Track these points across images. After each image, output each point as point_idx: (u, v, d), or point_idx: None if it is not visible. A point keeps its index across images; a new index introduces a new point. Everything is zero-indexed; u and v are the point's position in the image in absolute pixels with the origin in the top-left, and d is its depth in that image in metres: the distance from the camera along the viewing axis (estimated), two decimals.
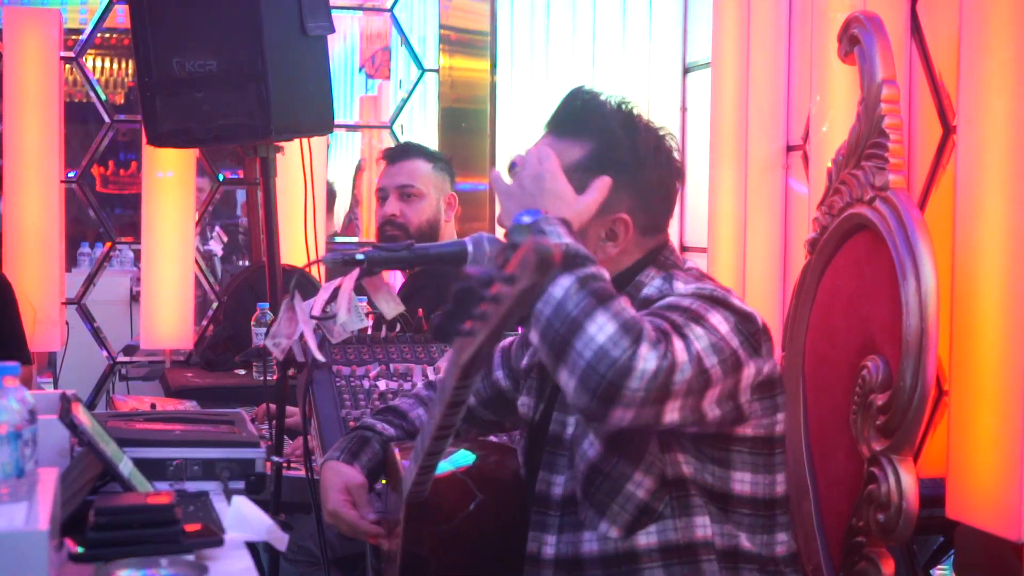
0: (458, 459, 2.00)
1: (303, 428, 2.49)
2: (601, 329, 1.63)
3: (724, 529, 1.88)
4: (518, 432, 2.16)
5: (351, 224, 6.89)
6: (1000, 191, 2.01)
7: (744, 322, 1.81)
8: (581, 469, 1.88)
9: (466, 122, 5.28)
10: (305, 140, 3.45)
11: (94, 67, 9.12)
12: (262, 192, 3.43)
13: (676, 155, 1.99)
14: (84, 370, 4.95)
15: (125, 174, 8.34)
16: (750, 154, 2.96)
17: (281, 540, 1.95)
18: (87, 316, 4.94)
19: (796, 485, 2.12)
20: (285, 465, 2.61)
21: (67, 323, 4.78)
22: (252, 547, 1.95)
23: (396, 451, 2.06)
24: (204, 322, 4.97)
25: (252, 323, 3.81)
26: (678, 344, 1.69)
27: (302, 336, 2.24)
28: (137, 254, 5.53)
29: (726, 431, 1.84)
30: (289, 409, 2.74)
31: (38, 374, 4.79)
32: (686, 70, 3.61)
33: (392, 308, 2.17)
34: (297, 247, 3.89)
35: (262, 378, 2.96)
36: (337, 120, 3.66)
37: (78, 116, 6.71)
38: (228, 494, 2.16)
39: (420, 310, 2.89)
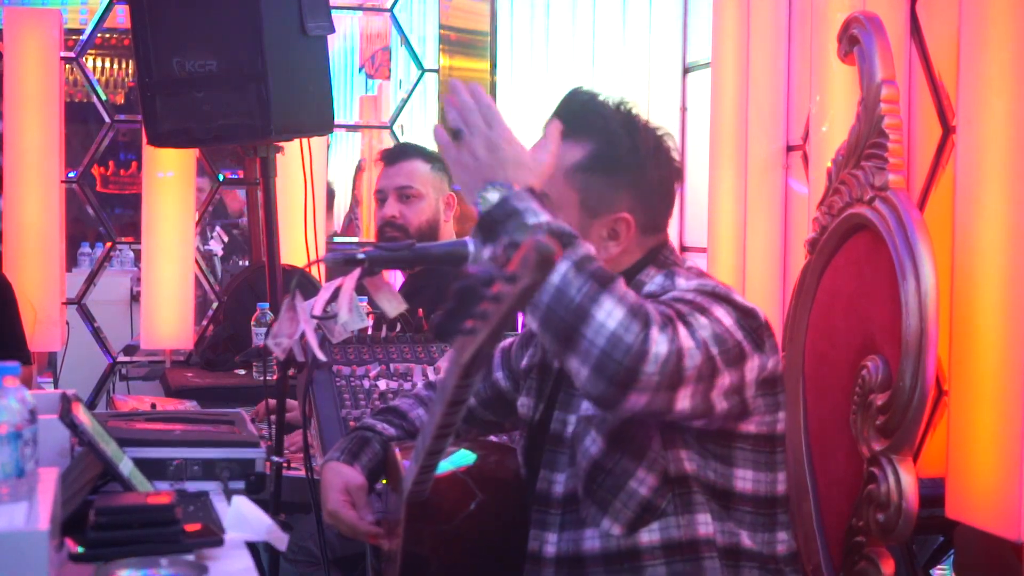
0: (458, 459, 1.99)
1: (303, 427, 2.49)
2: (610, 315, 1.62)
3: (725, 527, 1.88)
4: (518, 432, 2.16)
5: (351, 224, 6.89)
6: (1000, 191, 2.01)
7: (746, 317, 1.81)
8: (583, 466, 1.88)
9: None
10: (305, 140, 3.46)
11: (94, 67, 9.13)
12: (262, 192, 3.44)
13: (675, 155, 1.99)
14: (84, 370, 4.95)
15: (125, 174, 8.34)
16: (750, 154, 2.96)
17: (281, 540, 1.95)
18: (87, 316, 4.94)
19: (796, 485, 2.12)
20: (285, 465, 2.61)
21: (67, 323, 4.78)
22: (252, 547, 1.95)
23: (396, 451, 2.06)
24: (204, 322, 4.97)
25: (252, 323, 3.81)
26: (683, 331, 1.69)
27: (303, 336, 2.24)
28: (137, 254, 5.53)
29: (730, 427, 1.85)
30: (289, 403, 2.74)
31: (38, 374, 4.79)
32: (686, 70, 3.61)
33: (394, 307, 2.17)
34: (297, 247, 3.89)
35: (262, 378, 2.96)
36: (337, 120, 3.66)
37: (78, 116, 6.71)
38: (228, 494, 2.16)
39: (420, 310, 2.89)
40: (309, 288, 2.60)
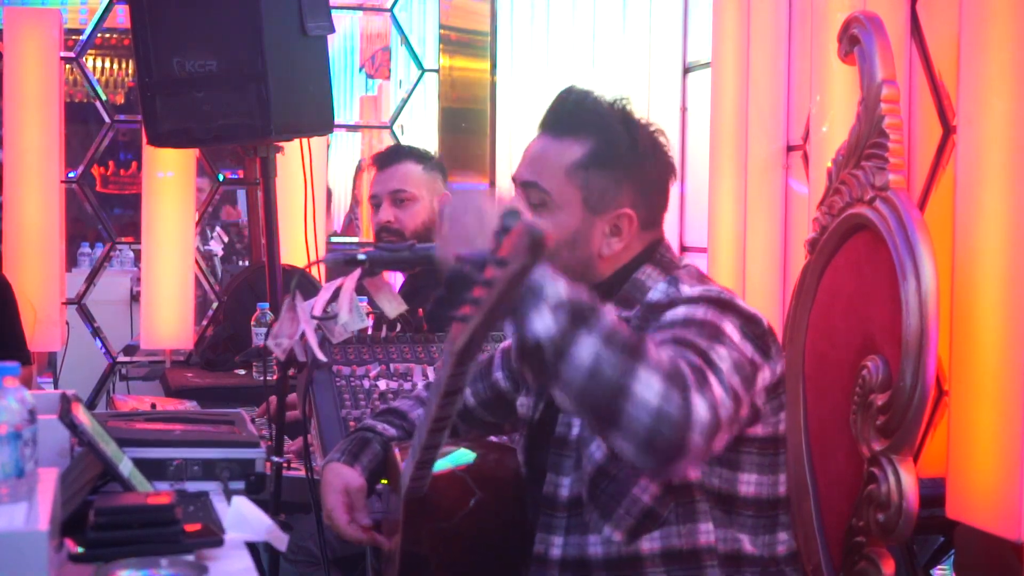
0: (457, 457, 1.99)
1: (303, 427, 2.49)
2: (648, 386, 1.54)
3: (727, 534, 1.88)
4: (518, 433, 2.16)
5: (351, 224, 6.89)
6: (1000, 191, 2.01)
7: (751, 325, 1.81)
8: (588, 471, 1.88)
9: (466, 122, 5.27)
10: (305, 140, 3.46)
11: (94, 67, 9.13)
12: (262, 192, 3.44)
13: (669, 150, 1.99)
14: (84, 370, 4.95)
15: (125, 174, 8.35)
16: (750, 154, 2.96)
17: (281, 540, 1.95)
18: (87, 316, 4.94)
19: (796, 485, 2.12)
20: (285, 465, 2.61)
21: (67, 323, 4.78)
22: (252, 547, 1.96)
23: (397, 451, 2.06)
24: (204, 322, 4.97)
25: (252, 323, 3.81)
26: (713, 380, 1.65)
27: (303, 336, 2.24)
28: (137, 254, 5.53)
29: (739, 432, 1.84)
30: (291, 399, 2.74)
31: (38, 374, 4.79)
32: (686, 70, 3.61)
33: (394, 307, 2.17)
34: (297, 247, 3.89)
35: (262, 378, 2.96)
36: (337, 120, 3.66)
37: (78, 116, 6.71)
38: (228, 494, 2.16)
39: (420, 310, 2.89)
40: (309, 288, 2.60)
